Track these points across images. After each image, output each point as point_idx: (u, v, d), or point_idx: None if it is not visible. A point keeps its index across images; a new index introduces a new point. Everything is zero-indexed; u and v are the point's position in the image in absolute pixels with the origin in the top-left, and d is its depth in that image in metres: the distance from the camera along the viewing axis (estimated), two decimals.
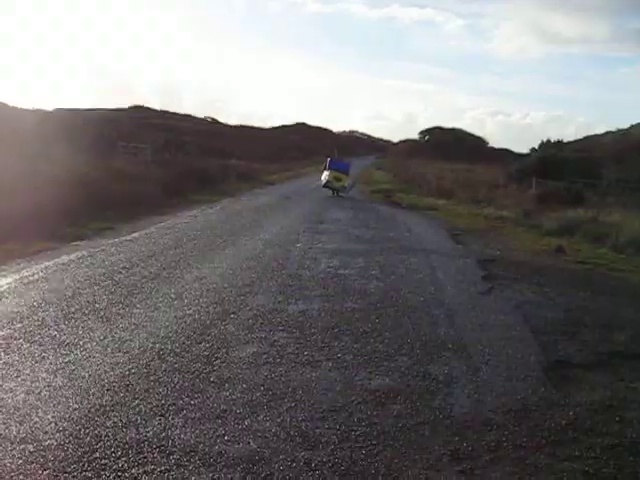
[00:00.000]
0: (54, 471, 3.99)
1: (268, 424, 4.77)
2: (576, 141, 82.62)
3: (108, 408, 4.90)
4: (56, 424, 4.58)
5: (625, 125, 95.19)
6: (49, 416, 4.70)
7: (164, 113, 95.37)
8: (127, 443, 4.36)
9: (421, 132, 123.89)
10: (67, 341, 6.44)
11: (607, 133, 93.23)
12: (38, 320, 7.06)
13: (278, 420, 4.85)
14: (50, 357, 5.97)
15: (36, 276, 9.21)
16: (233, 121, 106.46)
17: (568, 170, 38.17)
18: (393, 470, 4.22)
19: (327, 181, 28.30)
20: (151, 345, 6.44)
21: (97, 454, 4.21)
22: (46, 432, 4.46)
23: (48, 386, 5.27)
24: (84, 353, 6.11)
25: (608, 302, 9.85)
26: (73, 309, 7.58)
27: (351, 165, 30.75)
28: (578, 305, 9.35)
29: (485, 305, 8.98)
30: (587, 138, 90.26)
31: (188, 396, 5.20)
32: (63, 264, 10.22)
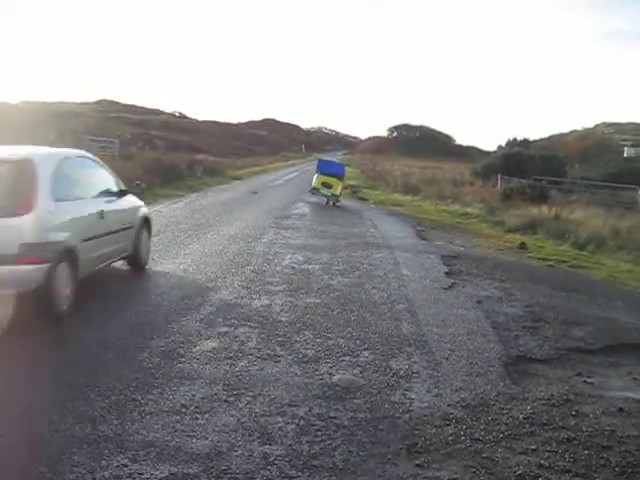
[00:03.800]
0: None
1: (227, 419, 4.75)
2: (542, 139, 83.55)
3: (68, 403, 4.85)
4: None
5: (590, 124, 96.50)
6: None
7: (132, 107, 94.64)
8: (83, 438, 4.31)
9: (389, 129, 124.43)
10: None
11: (572, 132, 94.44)
12: None
13: (237, 415, 4.83)
14: None
15: None
16: (202, 116, 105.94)
17: (533, 168, 38.60)
18: (350, 464, 4.23)
19: (313, 188, 23.66)
20: (112, 340, 6.38)
21: (52, 449, 4.15)
22: None
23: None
24: None
25: (569, 298, 9.98)
26: None
27: (344, 167, 26.32)
28: (539, 301, 9.45)
29: (447, 301, 9.04)
30: (553, 136, 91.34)
31: (147, 391, 5.16)
32: None
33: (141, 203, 10.34)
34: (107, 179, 9.24)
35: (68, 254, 7.15)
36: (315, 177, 23.80)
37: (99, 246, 8.15)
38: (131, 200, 9.87)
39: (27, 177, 6.90)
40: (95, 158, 9.35)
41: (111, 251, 8.71)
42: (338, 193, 23.27)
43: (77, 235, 7.43)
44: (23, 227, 6.59)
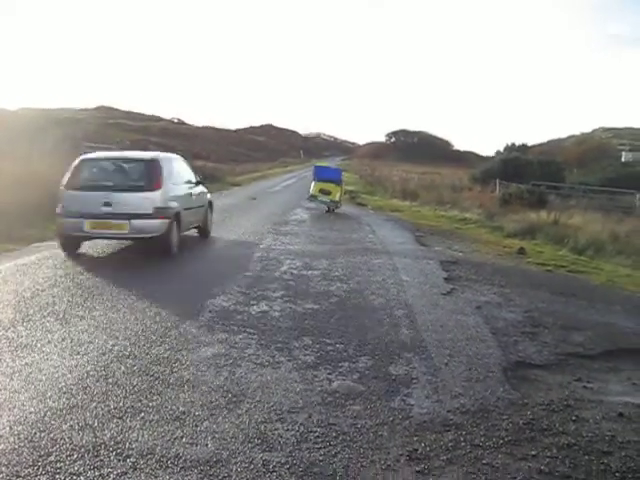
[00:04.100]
0: (8, 475, 3.94)
1: (226, 426, 4.75)
2: (540, 144, 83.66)
3: (65, 411, 4.85)
4: (11, 427, 4.52)
5: (588, 129, 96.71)
6: (4, 420, 4.64)
7: (130, 114, 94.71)
8: (83, 446, 4.32)
9: (387, 134, 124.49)
10: (25, 343, 6.37)
11: (570, 137, 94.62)
12: None
13: (237, 422, 4.83)
14: (7, 359, 5.91)
15: None
16: (200, 122, 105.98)
17: (532, 173, 38.66)
18: (351, 471, 4.23)
19: (311, 195, 22.73)
20: (110, 347, 6.39)
21: (52, 457, 4.16)
22: (0, 436, 4.40)
23: (4, 389, 5.22)
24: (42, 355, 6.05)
25: (568, 303, 9.97)
26: (32, 310, 7.50)
27: (341, 172, 25.16)
28: (538, 306, 9.44)
29: (446, 306, 9.03)
30: (551, 141, 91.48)
31: (147, 398, 5.16)
32: (23, 265, 10.10)
33: (207, 190, 15.27)
34: (190, 173, 14.24)
35: (176, 216, 11.93)
36: (312, 184, 22.95)
37: (189, 215, 12.98)
38: (202, 188, 14.68)
39: (156, 169, 11.79)
40: (183, 159, 14.53)
41: (193, 220, 13.59)
42: (337, 199, 22.60)
43: (181, 205, 12.28)
44: (155, 197, 11.36)
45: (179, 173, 13.13)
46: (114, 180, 11.65)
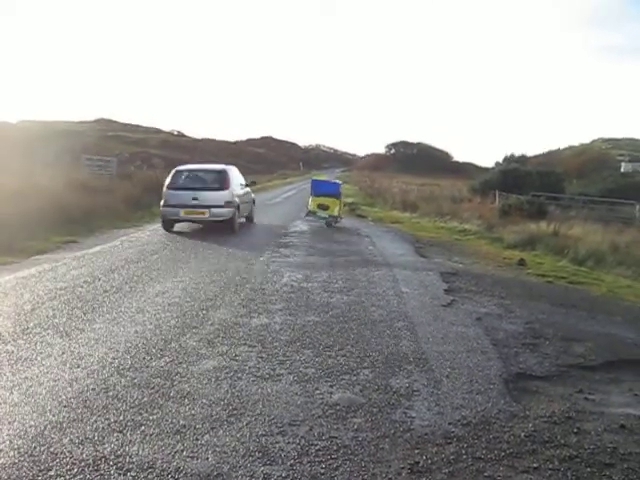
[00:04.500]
0: None
1: (227, 439, 4.74)
2: (539, 155, 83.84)
3: (65, 425, 4.84)
4: (11, 442, 4.51)
5: (587, 140, 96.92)
6: (4, 434, 4.63)
7: (130, 126, 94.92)
8: (83, 460, 4.30)
9: (387, 146, 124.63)
10: (25, 356, 6.37)
11: (570, 147, 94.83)
12: None
13: (237, 435, 4.82)
14: (7, 373, 5.90)
15: None
16: (200, 134, 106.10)
17: (531, 184, 38.69)
18: None
19: (309, 211, 22.08)
20: (110, 360, 6.38)
21: (52, 472, 4.15)
22: (0, 450, 4.39)
23: (3, 403, 5.20)
24: (42, 369, 6.04)
25: (568, 314, 9.95)
26: (32, 324, 7.50)
27: (341, 187, 23.84)
28: (538, 318, 9.43)
29: (447, 318, 9.02)
30: (550, 152, 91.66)
31: (147, 412, 5.16)
32: (23, 278, 10.11)
33: (251, 191, 21.91)
34: (242, 178, 21.08)
35: (237, 207, 18.24)
36: (310, 199, 22.24)
37: (243, 207, 19.54)
38: (249, 189, 21.44)
39: (225, 176, 18.22)
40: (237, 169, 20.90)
41: (245, 210, 20.17)
42: (336, 214, 21.84)
43: (239, 200, 18.68)
44: (225, 194, 17.62)
45: (237, 179, 19.83)
46: (198, 183, 18.29)
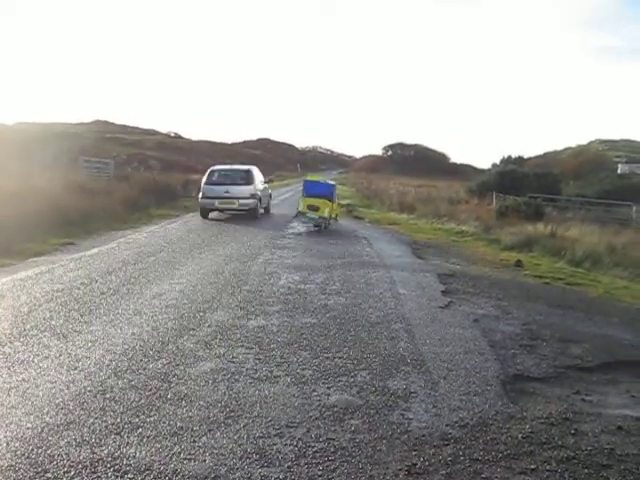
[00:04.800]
0: None
1: (225, 441, 4.74)
2: (536, 157, 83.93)
3: (62, 427, 4.84)
4: (8, 444, 4.50)
5: (584, 141, 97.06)
6: (1, 436, 4.63)
7: (127, 127, 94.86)
8: (81, 462, 4.30)
9: (384, 147, 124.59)
10: (22, 359, 6.36)
11: (567, 149, 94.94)
12: None
13: (235, 437, 4.82)
14: (4, 375, 5.89)
15: None
16: (197, 136, 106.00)
17: (528, 185, 38.70)
18: None
19: (299, 212, 21.43)
20: (108, 362, 6.38)
21: (50, 474, 4.15)
22: None
23: (1, 405, 5.20)
24: (39, 371, 6.03)
25: (565, 316, 9.96)
26: (29, 326, 7.49)
27: (335, 188, 22.85)
28: (536, 319, 9.43)
29: (444, 319, 9.02)
30: (547, 154, 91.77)
31: (144, 414, 5.15)
32: (20, 280, 10.09)
33: (268, 187, 26.50)
34: (262, 176, 25.14)
35: (259, 199, 23.21)
36: (300, 200, 21.59)
37: (263, 199, 24.47)
38: (267, 185, 25.92)
39: (250, 174, 23.40)
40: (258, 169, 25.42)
41: (264, 202, 24.80)
42: (326, 215, 20.74)
43: (260, 194, 23.60)
44: (250, 189, 22.69)
45: (259, 177, 24.47)
46: (229, 180, 23.09)
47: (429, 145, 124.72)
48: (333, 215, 21.72)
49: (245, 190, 22.48)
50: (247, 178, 23.05)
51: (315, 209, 20.56)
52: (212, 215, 22.79)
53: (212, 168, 24.06)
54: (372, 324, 8.51)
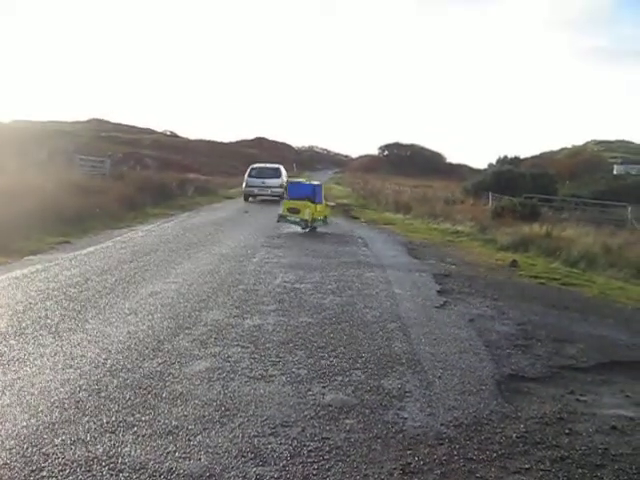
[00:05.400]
0: None
1: (220, 440, 4.74)
2: (532, 157, 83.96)
3: (57, 426, 4.84)
4: (2, 442, 4.50)
5: (580, 142, 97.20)
6: None
7: (122, 126, 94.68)
8: (76, 461, 4.30)
9: (380, 147, 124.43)
10: (17, 357, 6.35)
11: (562, 149, 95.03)
12: None
13: (230, 436, 4.82)
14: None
15: None
16: (193, 135, 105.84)
17: (524, 185, 38.79)
18: None
19: (280, 215, 20.24)
20: (103, 361, 6.38)
21: (44, 472, 4.14)
22: None
23: None
24: (34, 369, 6.03)
25: (560, 316, 9.98)
26: (24, 324, 7.48)
27: (320, 188, 21.48)
28: (531, 319, 9.45)
29: (439, 319, 9.04)
30: (543, 154, 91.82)
31: (139, 412, 5.15)
32: (15, 278, 10.08)
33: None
34: (285, 171, 37.06)
35: (285, 188, 26.05)
36: (282, 203, 21.09)
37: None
38: (289, 179, 30.28)
39: (279, 170, 35.38)
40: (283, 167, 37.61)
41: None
42: (307, 217, 19.61)
43: (285, 184, 27.50)
44: (280, 181, 33.65)
45: (284, 172, 35.32)
46: (265, 174, 33.68)
47: (425, 145, 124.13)
48: (320, 217, 20.56)
49: (276, 182, 33.09)
50: (277, 173, 34.23)
51: (296, 212, 19.62)
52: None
53: (252, 166, 34.71)
54: (367, 323, 8.52)
